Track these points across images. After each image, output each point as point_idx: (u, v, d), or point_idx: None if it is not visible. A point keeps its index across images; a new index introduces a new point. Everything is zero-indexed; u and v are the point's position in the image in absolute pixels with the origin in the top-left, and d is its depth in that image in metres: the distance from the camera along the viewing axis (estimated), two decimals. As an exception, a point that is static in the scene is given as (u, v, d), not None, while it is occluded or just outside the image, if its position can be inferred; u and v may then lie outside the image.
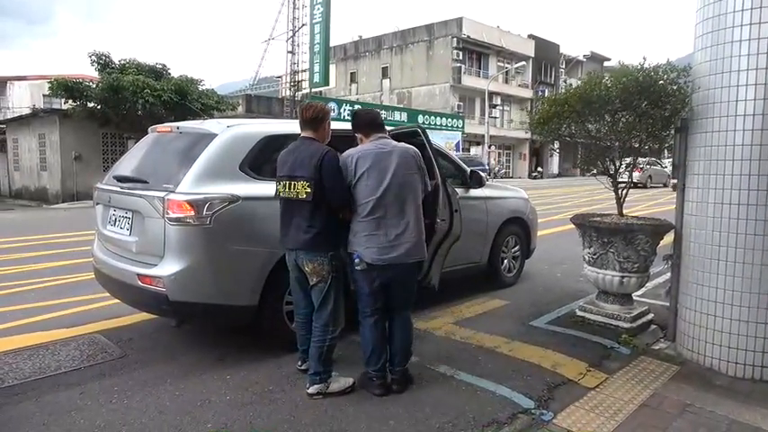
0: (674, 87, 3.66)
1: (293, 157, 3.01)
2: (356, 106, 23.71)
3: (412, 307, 3.28)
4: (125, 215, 3.67)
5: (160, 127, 4.10)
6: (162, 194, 3.30)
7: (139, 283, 3.38)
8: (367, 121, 3.24)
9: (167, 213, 3.25)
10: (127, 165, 4.02)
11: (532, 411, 2.90)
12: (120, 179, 3.82)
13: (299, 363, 3.39)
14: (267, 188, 3.56)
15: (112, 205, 3.82)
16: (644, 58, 3.84)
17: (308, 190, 2.90)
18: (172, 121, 4.20)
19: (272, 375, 3.33)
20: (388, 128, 4.43)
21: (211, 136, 3.57)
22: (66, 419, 2.81)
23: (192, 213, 3.23)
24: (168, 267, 3.26)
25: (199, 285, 3.32)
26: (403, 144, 3.23)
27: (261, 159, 3.66)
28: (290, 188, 2.97)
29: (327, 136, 3.16)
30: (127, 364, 3.54)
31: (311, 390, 3.04)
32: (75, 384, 3.21)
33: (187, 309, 3.38)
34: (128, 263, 3.56)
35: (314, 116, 3.07)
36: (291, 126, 4.32)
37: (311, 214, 2.95)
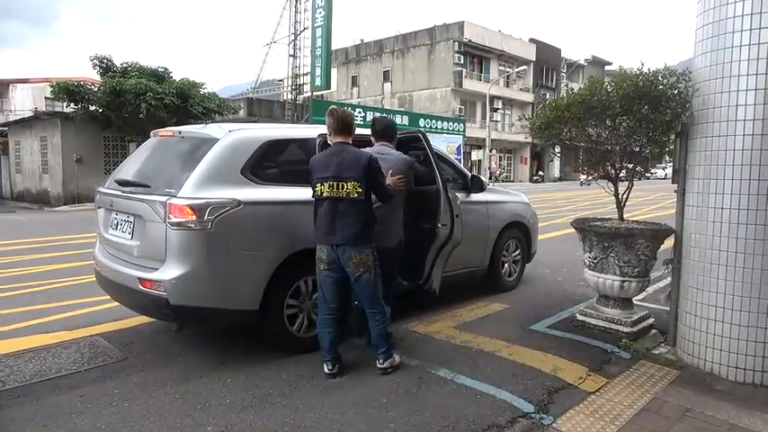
0: (675, 92, 3.67)
1: (338, 159, 3.23)
2: (357, 110, 23.78)
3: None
4: (127, 219, 3.69)
5: (162, 131, 4.11)
6: (164, 199, 3.31)
7: (140, 286, 3.39)
8: (378, 129, 3.78)
9: (169, 218, 3.26)
10: (129, 169, 4.03)
11: (532, 415, 2.90)
12: (122, 183, 3.83)
13: (329, 366, 3.37)
14: (269, 193, 3.60)
15: (114, 209, 3.84)
16: (642, 63, 3.85)
17: (360, 189, 3.19)
18: (174, 125, 4.23)
19: (273, 379, 3.34)
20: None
21: (213, 140, 3.58)
22: (67, 422, 2.81)
23: (194, 218, 3.24)
24: (169, 271, 3.27)
25: (200, 289, 3.33)
26: (399, 153, 3.72)
27: (262, 164, 3.68)
28: (338, 188, 3.20)
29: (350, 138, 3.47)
30: (127, 366, 3.55)
31: (386, 364, 3.42)
32: (76, 387, 3.22)
33: (188, 313, 3.39)
34: (129, 266, 3.57)
35: (349, 122, 3.38)
36: (293, 130, 4.36)
37: (359, 211, 3.23)
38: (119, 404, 3.01)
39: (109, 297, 4.07)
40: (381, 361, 3.41)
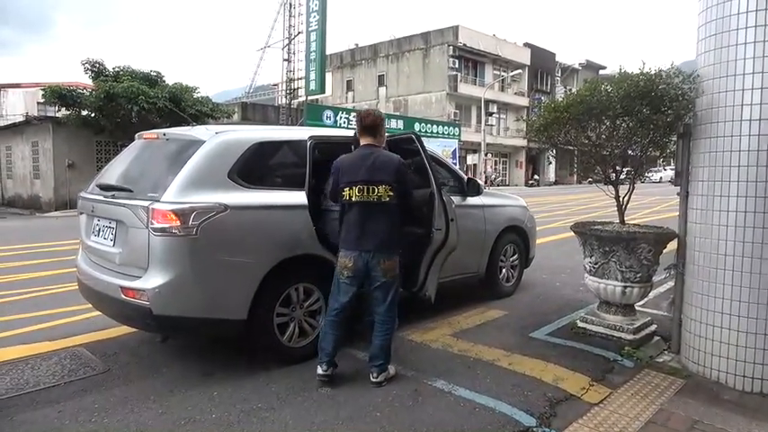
0: (678, 92, 3.55)
1: (368, 162, 3.18)
2: (352, 114, 23.65)
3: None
4: (109, 225, 3.53)
5: (146, 133, 3.96)
6: (146, 204, 3.16)
7: (123, 296, 3.23)
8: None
9: (152, 223, 3.11)
10: (111, 173, 3.88)
11: (534, 429, 2.77)
12: (104, 187, 3.67)
13: (324, 368, 3.26)
14: (257, 197, 3.46)
15: (96, 215, 3.68)
16: (644, 63, 3.75)
17: (391, 193, 3.17)
18: (166, 129, 4.08)
19: (261, 392, 3.19)
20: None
21: (199, 143, 3.44)
22: (42, 440, 2.66)
23: (178, 223, 3.09)
24: (152, 280, 3.11)
25: (184, 299, 3.17)
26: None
27: (251, 167, 3.53)
28: (368, 192, 3.15)
29: (383, 141, 3.40)
30: (109, 379, 3.39)
31: (380, 378, 3.25)
32: (54, 402, 3.06)
33: (172, 323, 3.23)
34: (111, 275, 3.41)
35: (373, 123, 3.29)
36: (283, 132, 4.22)
37: (390, 216, 3.21)
38: (98, 420, 2.85)
39: (92, 306, 3.90)
40: (376, 374, 3.27)
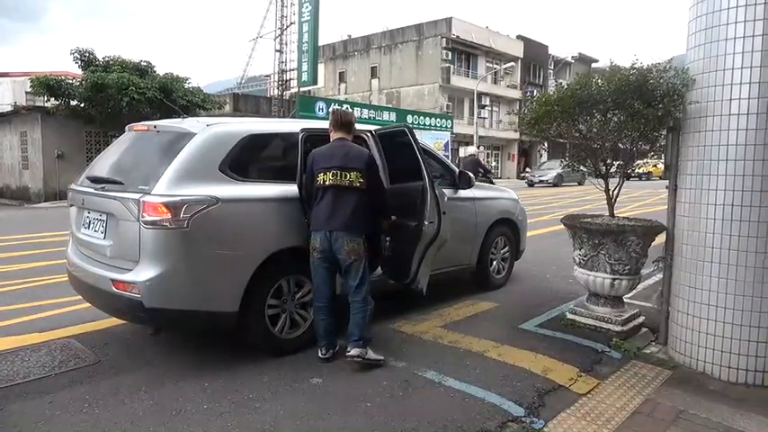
0: (669, 87, 3.57)
1: (342, 152, 3.46)
2: (345, 106, 23.54)
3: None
4: (99, 218, 3.51)
5: (137, 125, 3.94)
6: (137, 196, 3.15)
7: (114, 288, 3.22)
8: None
9: (143, 216, 3.09)
10: (102, 165, 3.85)
11: (523, 419, 2.81)
12: (94, 180, 3.65)
13: (323, 351, 3.52)
14: (249, 190, 3.46)
15: (86, 207, 3.66)
16: (636, 57, 3.77)
17: (362, 180, 3.43)
18: (157, 119, 4.06)
19: (253, 383, 3.20)
20: (375, 127, 4.36)
21: (190, 135, 3.42)
22: (32, 431, 2.65)
23: (169, 216, 3.08)
24: (144, 273, 3.11)
25: (176, 291, 3.17)
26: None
27: (242, 159, 3.52)
28: (341, 177, 3.39)
29: (351, 138, 3.68)
30: (100, 370, 3.39)
31: (353, 352, 3.36)
32: (45, 393, 3.06)
33: (163, 316, 3.22)
34: (102, 267, 3.39)
35: (350, 121, 3.65)
36: (274, 125, 4.22)
37: (358, 200, 3.42)
38: (89, 411, 2.86)
39: (83, 298, 3.89)
40: (349, 348, 3.38)
